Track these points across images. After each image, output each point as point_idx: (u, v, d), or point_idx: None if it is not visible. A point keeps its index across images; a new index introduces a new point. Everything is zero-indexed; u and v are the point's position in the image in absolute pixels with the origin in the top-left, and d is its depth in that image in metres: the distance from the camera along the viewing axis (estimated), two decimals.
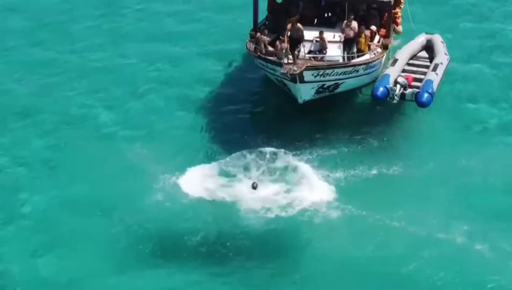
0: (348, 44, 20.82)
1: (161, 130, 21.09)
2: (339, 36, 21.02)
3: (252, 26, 22.27)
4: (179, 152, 19.81)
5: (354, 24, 20.77)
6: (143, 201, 17.82)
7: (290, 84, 19.95)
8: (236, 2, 29.07)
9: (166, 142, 20.36)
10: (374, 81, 21.37)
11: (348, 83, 20.88)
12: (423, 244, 16.43)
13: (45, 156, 19.87)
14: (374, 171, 18.91)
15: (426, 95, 20.19)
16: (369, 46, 20.98)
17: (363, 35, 20.78)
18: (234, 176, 18.68)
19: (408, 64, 22.59)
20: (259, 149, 19.76)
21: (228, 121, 21.61)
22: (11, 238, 16.92)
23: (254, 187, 17.98)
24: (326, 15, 22.66)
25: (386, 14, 22.03)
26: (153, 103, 22.59)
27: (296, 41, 19.73)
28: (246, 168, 18.95)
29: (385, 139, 20.46)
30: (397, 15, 23.02)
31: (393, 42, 23.09)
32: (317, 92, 20.37)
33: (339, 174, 18.79)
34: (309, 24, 21.10)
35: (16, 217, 17.57)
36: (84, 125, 21.41)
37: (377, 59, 20.95)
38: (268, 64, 20.40)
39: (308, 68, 19.20)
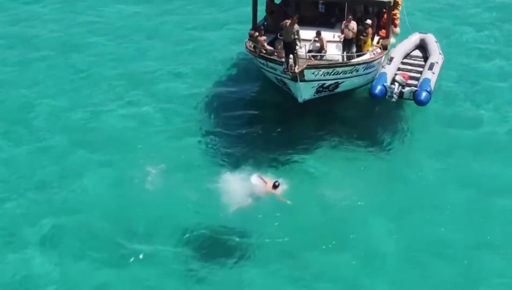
0: (347, 44, 21.05)
1: (163, 132, 21.12)
2: (339, 36, 21.25)
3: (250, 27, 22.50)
4: (178, 153, 19.87)
5: (353, 24, 20.97)
6: (141, 200, 17.84)
7: (290, 83, 20.08)
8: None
9: (166, 143, 20.40)
10: (373, 80, 21.53)
11: (348, 83, 21.06)
12: (420, 248, 16.56)
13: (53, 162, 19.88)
14: (374, 169, 19.16)
15: (424, 93, 20.38)
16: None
17: (366, 35, 20.98)
18: (233, 174, 18.70)
19: (402, 63, 22.85)
20: (260, 148, 19.95)
21: (227, 123, 21.63)
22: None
23: (276, 186, 17.89)
24: (325, 15, 22.82)
25: (385, 15, 22.26)
26: (153, 106, 22.62)
27: (293, 42, 19.87)
28: (247, 167, 18.98)
29: (384, 137, 20.65)
30: (395, 16, 23.21)
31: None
32: (317, 91, 20.52)
33: (339, 172, 18.93)
34: (308, 24, 21.29)
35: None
36: (82, 129, 21.36)
37: (377, 59, 21.15)
38: (268, 63, 20.53)
39: (308, 67, 19.40)
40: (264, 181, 18.09)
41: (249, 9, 23.23)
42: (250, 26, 22.65)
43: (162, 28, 28.32)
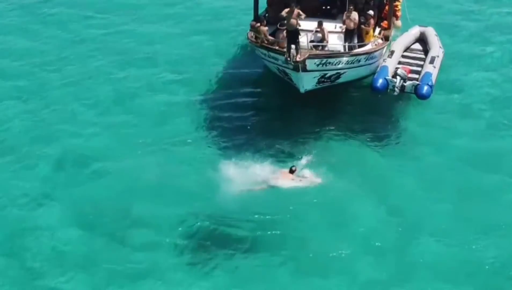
0: (349, 34, 21.01)
1: (168, 127, 20.96)
2: (340, 27, 21.23)
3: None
4: (179, 148, 19.81)
5: (355, 15, 20.96)
6: (142, 195, 17.75)
7: (292, 74, 19.95)
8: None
9: (171, 139, 20.26)
10: (374, 72, 21.48)
11: (350, 73, 20.93)
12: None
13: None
14: (374, 162, 19.07)
15: (426, 87, 20.43)
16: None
17: (368, 25, 20.94)
18: (236, 164, 18.55)
19: (403, 56, 22.86)
20: (261, 139, 19.89)
21: (228, 116, 21.51)
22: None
23: (292, 171, 17.94)
24: (326, 7, 22.75)
25: (386, 6, 22.28)
26: (158, 102, 22.49)
27: (295, 32, 19.78)
28: (249, 157, 18.85)
29: (385, 130, 20.57)
30: (397, 8, 23.26)
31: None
32: (319, 81, 20.39)
33: (340, 163, 18.76)
34: (310, 15, 21.18)
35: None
36: (95, 128, 21.15)
37: (378, 49, 21.11)
38: (270, 53, 20.40)
39: (310, 57, 19.29)
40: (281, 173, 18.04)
41: (246, 17, 23.14)
42: (248, 29, 22.19)
43: (159, 35, 27.99)
